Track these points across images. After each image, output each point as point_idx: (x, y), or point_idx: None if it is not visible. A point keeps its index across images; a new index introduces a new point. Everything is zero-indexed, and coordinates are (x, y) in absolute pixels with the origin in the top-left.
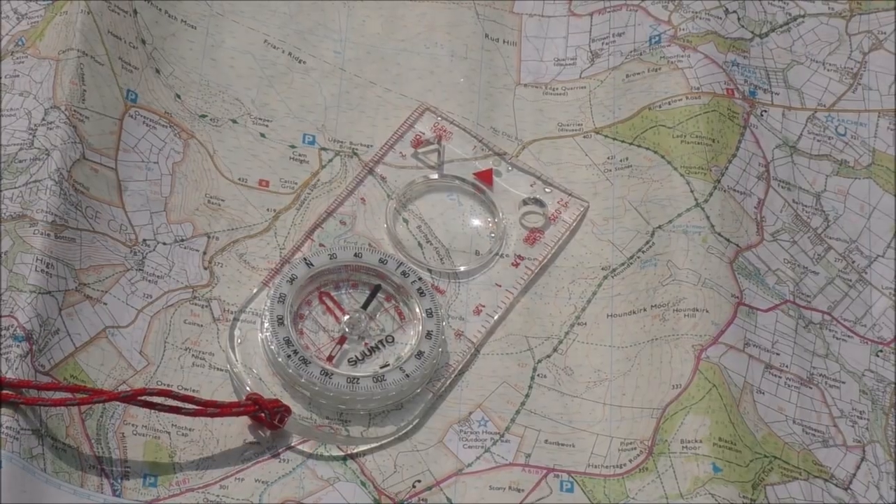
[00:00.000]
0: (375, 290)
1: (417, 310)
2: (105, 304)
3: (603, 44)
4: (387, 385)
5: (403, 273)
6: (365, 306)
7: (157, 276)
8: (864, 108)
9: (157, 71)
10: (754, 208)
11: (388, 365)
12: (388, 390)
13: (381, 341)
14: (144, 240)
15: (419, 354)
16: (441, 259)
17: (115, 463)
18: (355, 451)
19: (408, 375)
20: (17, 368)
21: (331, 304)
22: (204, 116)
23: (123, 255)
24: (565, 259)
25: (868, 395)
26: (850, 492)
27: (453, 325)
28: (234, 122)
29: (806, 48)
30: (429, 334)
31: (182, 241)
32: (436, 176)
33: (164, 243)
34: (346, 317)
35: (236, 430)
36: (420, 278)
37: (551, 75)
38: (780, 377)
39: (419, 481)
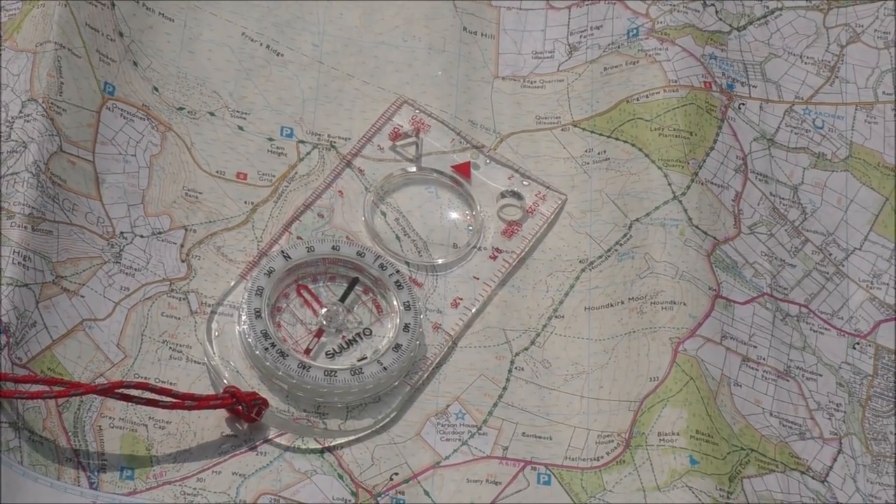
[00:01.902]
0: (353, 282)
1: (395, 302)
2: (82, 296)
3: (581, 37)
4: (364, 378)
5: (381, 266)
6: (342, 299)
7: (135, 269)
8: (842, 101)
9: (135, 63)
10: (732, 201)
11: (366, 358)
12: (365, 383)
13: (358, 334)
14: (122, 232)
15: (397, 347)
16: (419, 252)
17: (92, 455)
18: (333, 443)
19: (385, 368)
20: None
21: (308, 297)
22: (181, 109)
23: (101, 248)
24: (543, 252)
25: (845, 387)
26: (827, 484)
27: (431, 318)
28: (212, 114)
29: (783, 41)
30: (406, 327)
31: (159, 233)
32: (414, 169)
33: (142, 236)
34: (324, 310)
35: (213, 423)
36: (398, 271)
37: (529, 68)
38: (757, 370)
39: (396, 474)
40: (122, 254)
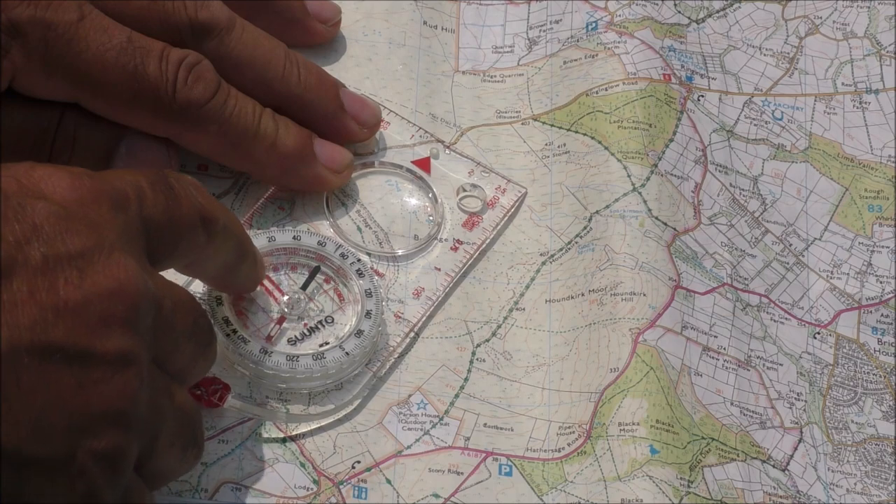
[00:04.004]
0: (315, 271)
1: (356, 290)
2: None
3: (540, 31)
4: (326, 363)
5: (342, 255)
6: (304, 287)
7: None
8: (801, 93)
9: None
10: (691, 192)
11: (328, 343)
12: (328, 368)
13: (320, 322)
14: None
15: (359, 333)
16: (380, 243)
17: None
18: (295, 431)
19: (347, 353)
20: None
21: (270, 286)
22: None
23: None
24: (504, 245)
25: (805, 376)
26: (788, 472)
27: (393, 308)
28: None
29: (742, 33)
30: (368, 313)
31: None
32: (374, 162)
33: None
34: (286, 297)
35: None
36: (359, 259)
37: (489, 63)
38: (717, 359)
39: (359, 462)
40: None
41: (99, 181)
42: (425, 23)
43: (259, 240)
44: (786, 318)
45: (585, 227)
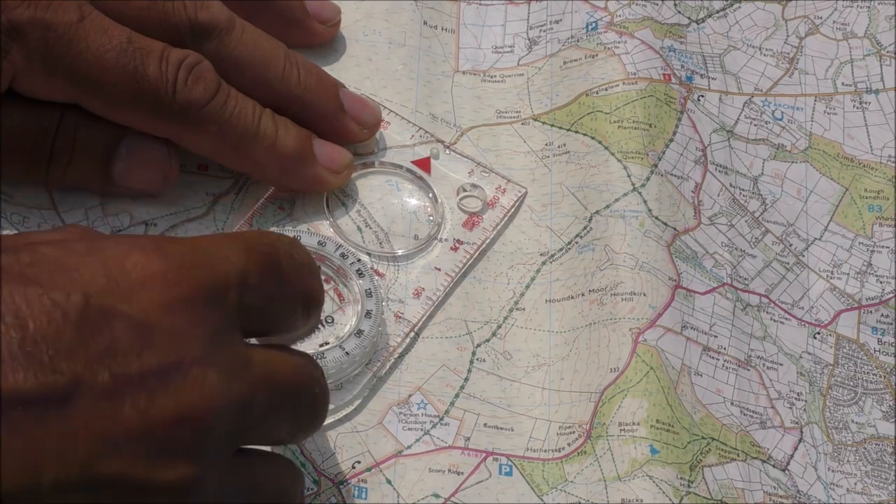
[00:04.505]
0: None
1: (357, 290)
2: None
3: (540, 31)
4: (327, 363)
5: (342, 255)
6: None
7: None
8: (801, 93)
9: None
10: (692, 192)
11: (328, 343)
12: (328, 368)
13: (320, 322)
14: None
15: (359, 333)
16: (380, 243)
17: None
18: None
19: (348, 353)
20: None
21: None
22: None
23: None
24: (504, 245)
25: (805, 376)
26: (788, 472)
27: (393, 308)
28: None
29: (742, 33)
30: (368, 313)
31: (119, 231)
32: (374, 162)
33: None
34: None
35: None
36: (359, 259)
37: (489, 63)
38: (717, 359)
39: (359, 462)
40: None
41: (199, 272)
42: (425, 23)
43: None
44: (786, 318)
45: (585, 227)
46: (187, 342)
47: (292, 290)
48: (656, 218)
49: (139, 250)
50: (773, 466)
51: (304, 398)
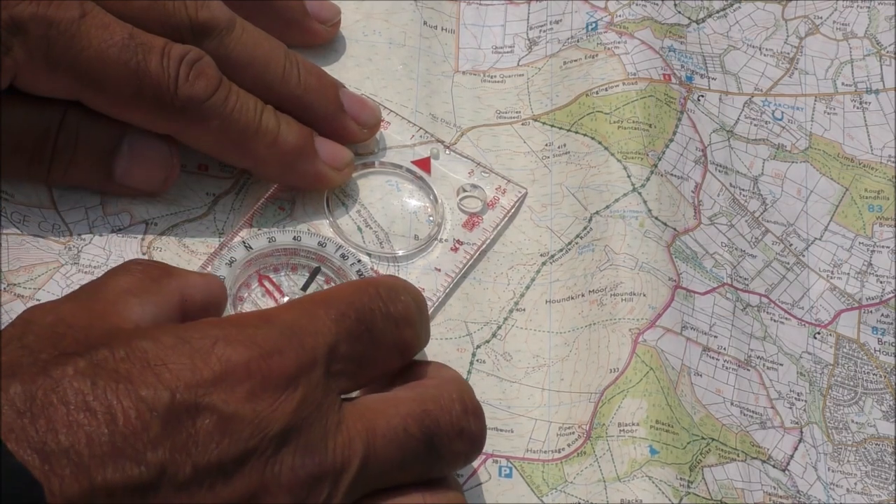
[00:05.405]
0: (315, 271)
1: None
2: (38, 299)
3: (540, 31)
4: None
5: (342, 255)
6: (304, 288)
7: (94, 267)
8: (801, 93)
9: None
10: (691, 192)
11: None
12: None
13: None
14: (79, 234)
15: None
16: (380, 243)
17: None
18: None
19: None
20: None
21: (270, 287)
22: None
23: (57, 253)
24: (504, 245)
25: (805, 376)
26: (788, 472)
27: None
28: None
29: (742, 33)
30: None
31: (119, 230)
32: (374, 162)
33: (101, 235)
34: (286, 298)
35: None
36: (359, 260)
37: (489, 63)
38: (717, 359)
39: None
40: (81, 255)
41: (284, 358)
42: (425, 23)
43: (259, 240)
44: (786, 318)
45: (585, 228)
46: (269, 426)
47: (385, 348)
48: (656, 218)
49: (223, 343)
50: (773, 467)
51: (409, 457)
